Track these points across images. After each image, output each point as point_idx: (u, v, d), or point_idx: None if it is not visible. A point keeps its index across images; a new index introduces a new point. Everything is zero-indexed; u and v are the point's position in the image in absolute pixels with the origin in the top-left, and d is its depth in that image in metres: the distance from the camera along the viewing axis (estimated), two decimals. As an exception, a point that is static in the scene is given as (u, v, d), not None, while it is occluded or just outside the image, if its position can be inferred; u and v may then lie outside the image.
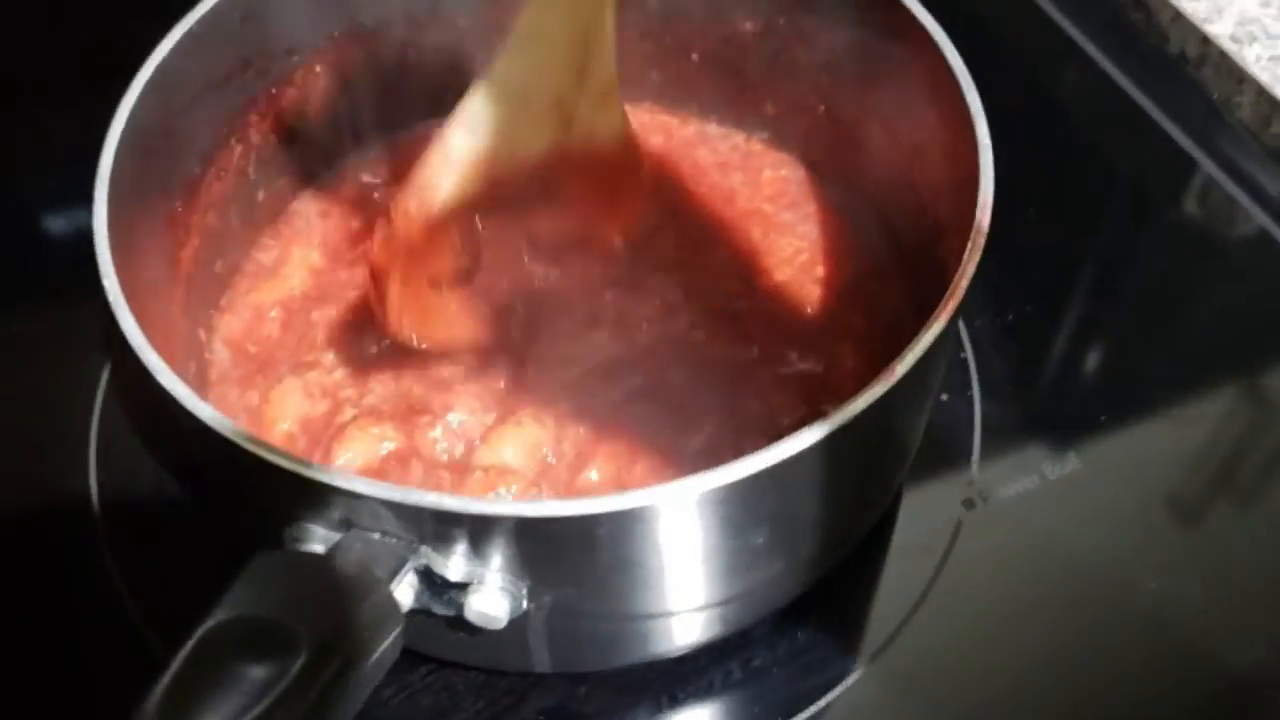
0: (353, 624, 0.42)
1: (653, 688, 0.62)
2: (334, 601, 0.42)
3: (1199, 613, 0.64)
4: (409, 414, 0.65)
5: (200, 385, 0.67)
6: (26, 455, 0.72)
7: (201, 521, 0.67)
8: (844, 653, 0.63)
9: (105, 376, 0.74)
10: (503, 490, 0.60)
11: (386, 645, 0.45)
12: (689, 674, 0.62)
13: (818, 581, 0.61)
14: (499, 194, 0.57)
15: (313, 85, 0.72)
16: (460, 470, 0.63)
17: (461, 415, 0.65)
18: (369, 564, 0.45)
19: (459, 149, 0.55)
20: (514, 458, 0.63)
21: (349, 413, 0.65)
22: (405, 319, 0.62)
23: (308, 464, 0.46)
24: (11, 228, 0.84)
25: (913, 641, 0.63)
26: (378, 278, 0.61)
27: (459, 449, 0.64)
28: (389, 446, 0.63)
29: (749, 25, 0.73)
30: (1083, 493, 0.68)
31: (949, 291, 0.50)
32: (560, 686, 0.62)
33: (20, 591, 0.67)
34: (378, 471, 0.63)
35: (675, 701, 0.62)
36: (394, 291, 0.61)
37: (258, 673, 0.40)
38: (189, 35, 0.62)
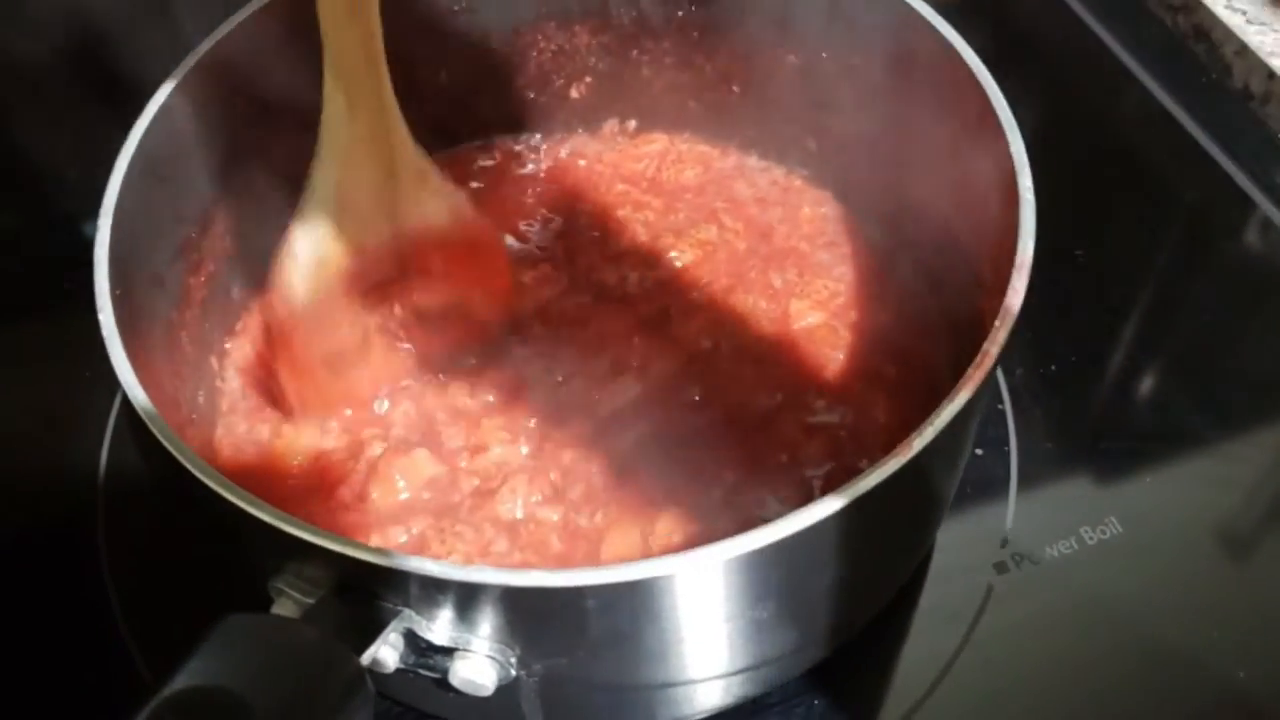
0: (315, 699, 0.39)
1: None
2: (298, 673, 0.39)
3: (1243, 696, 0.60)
4: (438, 441, 0.64)
5: (209, 415, 0.65)
6: (37, 464, 0.71)
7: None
8: (863, 724, 0.60)
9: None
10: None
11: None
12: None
13: (836, 650, 0.58)
14: (368, 279, 0.61)
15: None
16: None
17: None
18: (343, 631, 0.42)
19: (302, 252, 0.59)
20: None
21: (378, 448, 0.64)
22: (306, 399, 0.64)
23: (290, 519, 0.44)
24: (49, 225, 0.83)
25: (935, 716, 0.59)
26: (272, 367, 0.64)
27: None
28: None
29: (792, 59, 0.70)
30: (1123, 557, 0.64)
31: (976, 362, 0.47)
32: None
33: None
34: (409, 506, 0.61)
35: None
36: (287, 376, 0.63)
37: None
38: (210, 54, 0.60)
